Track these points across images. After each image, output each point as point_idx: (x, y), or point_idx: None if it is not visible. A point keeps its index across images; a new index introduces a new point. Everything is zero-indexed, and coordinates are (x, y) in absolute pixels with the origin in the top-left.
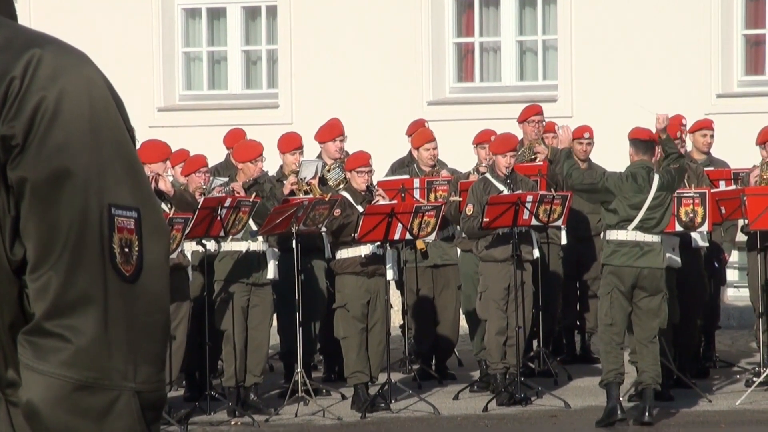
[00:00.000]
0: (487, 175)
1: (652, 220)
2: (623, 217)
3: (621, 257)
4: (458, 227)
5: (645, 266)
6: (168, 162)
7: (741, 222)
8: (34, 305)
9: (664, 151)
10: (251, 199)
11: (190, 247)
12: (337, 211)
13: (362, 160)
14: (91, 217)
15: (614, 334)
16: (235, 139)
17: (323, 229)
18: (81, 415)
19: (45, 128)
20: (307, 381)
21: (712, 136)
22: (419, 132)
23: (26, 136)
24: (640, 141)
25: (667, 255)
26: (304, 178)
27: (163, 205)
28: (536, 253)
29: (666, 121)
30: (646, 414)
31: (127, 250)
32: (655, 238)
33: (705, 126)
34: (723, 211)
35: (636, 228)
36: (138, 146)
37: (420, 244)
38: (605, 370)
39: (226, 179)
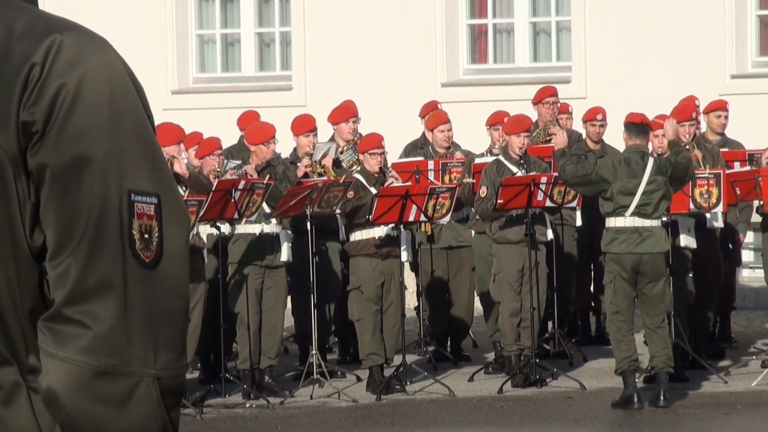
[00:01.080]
0: (500, 157)
1: (648, 206)
2: (620, 203)
3: (620, 244)
4: (472, 209)
5: (645, 252)
6: (182, 145)
7: (756, 203)
8: (53, 292)
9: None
10: (265, 182)
11: (204, 230)
12: (351, 194)
13: (375, 142)
14: (111, 203)
15: (621, 322)
16: (248, 121)
17: (338, 211)
18: (101, 402)
19: (65, 114)
20: (322, 363)
21: (726, 117)
22: (434, 114)
23: (46, 123)
24: (633, 125)
25: (683, 236)
26: (318, 160)
27: (177, 187)
28: (550, 235)
29: (671, 128)
30: (661, 398)
31: (146, 236)
32: (655, 223)
33: (719, 107)
34: (738, 192)
35: (633, 214)
36: None
37: (425, 227)
38: (618, 358)
39: (239, 162)
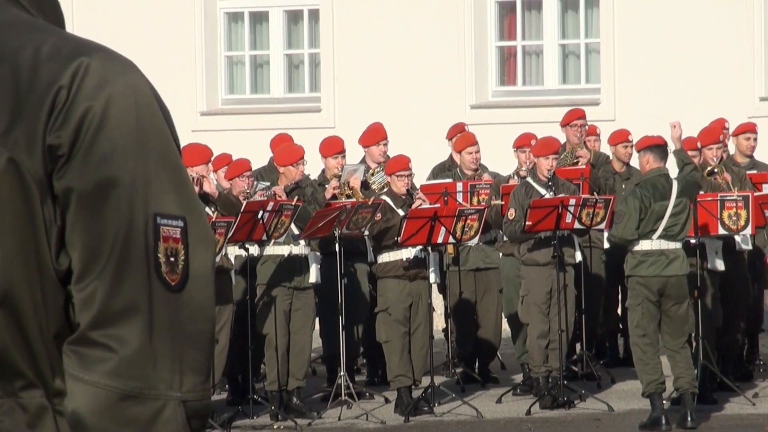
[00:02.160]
0: (528, 179)
1: (675, 228)
2: (647, 228)
3: (648, 267)
4: (500, 231)
5: (672, 274)
6: (210, 165)
7: None
8: (79, 315)
9: (679, 162)
10: (293, 203)
11: (233, 251)
12: (378, 216)
13: (402, 163)
14: (137, 226)
15: (647, 345)
16: (281, 143)
17: (366, 232)
18: (126, 425)
19: (91, 138)
20: (350, 384)
21: (755, 140)
22: (462, 136)
23: (72, 146)
24: (657, 146)
25: (711, 258)
26: (347, 182)
27: (206, 209)
28: (578, 257)
29: (680, 130)
30: (689, 420)
31: (172, 259)
32: (679, 245)
33: (748, 129)
34: (766, 215)
35: (660, 237)
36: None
37: (450, 249)
38: (645, 382)
39: (269, 183)
